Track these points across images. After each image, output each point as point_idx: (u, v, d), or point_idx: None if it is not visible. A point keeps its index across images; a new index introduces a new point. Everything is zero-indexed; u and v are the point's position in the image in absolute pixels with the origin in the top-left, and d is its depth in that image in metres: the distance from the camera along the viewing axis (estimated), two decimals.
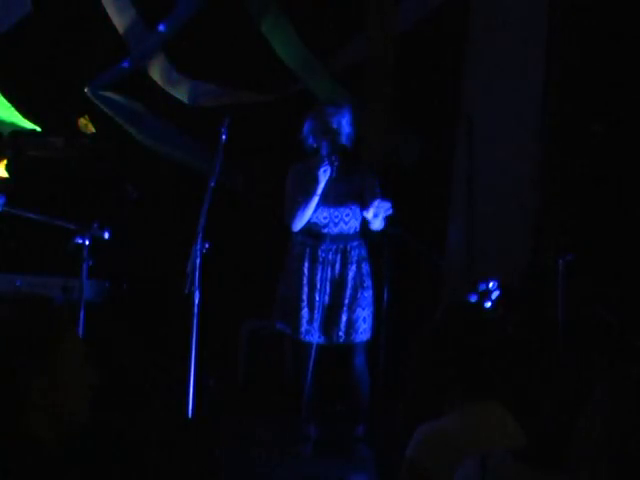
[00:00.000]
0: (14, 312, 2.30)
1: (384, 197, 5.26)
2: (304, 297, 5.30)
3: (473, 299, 5.27)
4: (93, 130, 7.05)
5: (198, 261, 4.99)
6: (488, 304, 5.20)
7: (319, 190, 5.22)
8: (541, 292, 5.80)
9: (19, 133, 6.91)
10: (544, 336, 5.50)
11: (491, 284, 5.42)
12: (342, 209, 5.33)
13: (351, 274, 5.31)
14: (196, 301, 4.97)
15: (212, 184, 5.10)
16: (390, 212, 5.12)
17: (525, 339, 5.43)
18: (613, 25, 5.91)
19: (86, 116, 7.01)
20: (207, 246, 5.03)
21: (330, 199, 5.27)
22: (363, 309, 5.33)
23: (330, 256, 5.30)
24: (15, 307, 2.31)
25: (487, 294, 5.26)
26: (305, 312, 5.30)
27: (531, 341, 5.44)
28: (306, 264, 5.31)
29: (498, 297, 5.24)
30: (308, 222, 5.29)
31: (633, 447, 1.99)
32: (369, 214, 5.15)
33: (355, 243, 5.36)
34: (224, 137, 5.16)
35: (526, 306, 5.80)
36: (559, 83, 6.05)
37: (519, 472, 2.42)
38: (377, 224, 5.23)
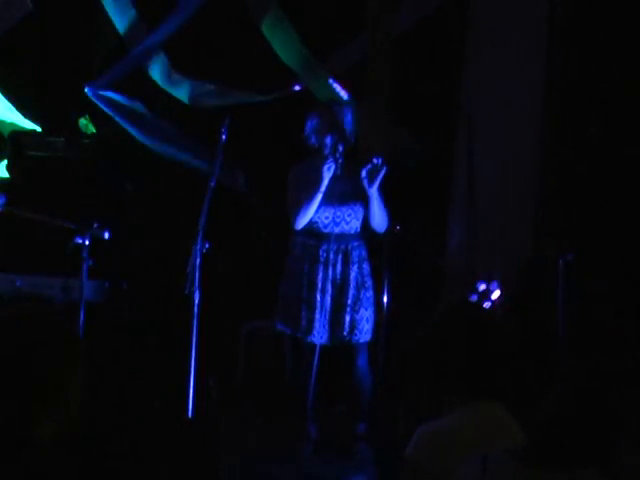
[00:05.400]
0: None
1: (383, 193, 5.28)
2: (305, 297, 5.30)
3: (473, 299, 5.28)
4: (93, 130, 7.05)
5: (198, 261, 4.99)
6: (488, 304, 5.20)
7: (323, 187, 5.22)
8: (541, 292, 5.79)
9: (19, 133, 6.91)
10: (544, 336, 5.50)
11: (491, 284, 5.42)
12: (344, 209, 5.33)
13: (353, 274, 5.31)
14: (196, 301, 4.98)
15: (212, 184, 5.10)
16: (384, 170, 5.14)
17: (525, 339, 5.43)
18: (613, 25, 5.90)
19: (86, 116, 7.01)
20: (207, 246, 5.03)
21: (333, 199, 5.28)
22: (366, 309, 5.33)
23: (331, 256, 5.30)
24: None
25: (487, 294, 5.26)
26: (306, 312, 5.30)
27: (531, 341, 5.44)
28: (307, 264, 5.31)
29: (498, 297, 5.24)
30: (310, 222, 5.29)
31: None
32: (365, 181, 5.16)
33: (356, 243, 5.36)
34: (224, 137, 5.16)
35: (526, 306, 5.80)
36: (559, 83, 6.04)
37: (519, 472, 2.41)
38: (375, 194, 5.21)
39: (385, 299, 5.58)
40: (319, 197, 5.23)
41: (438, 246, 6.17)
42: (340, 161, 5.22)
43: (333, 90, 6.30)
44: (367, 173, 5.19)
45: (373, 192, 5.22)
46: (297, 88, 6.39)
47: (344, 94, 6.25)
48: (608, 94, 5.94)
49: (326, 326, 5.29)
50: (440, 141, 6.28)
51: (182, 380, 4.97)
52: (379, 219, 5.34)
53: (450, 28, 6.23)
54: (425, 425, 2.80)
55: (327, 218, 5.31)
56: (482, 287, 5.25)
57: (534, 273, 5.93)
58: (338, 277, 5.31)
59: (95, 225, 5.38)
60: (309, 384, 5.26)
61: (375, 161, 5.18)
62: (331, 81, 6.28)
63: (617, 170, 5.92)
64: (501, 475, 2.44)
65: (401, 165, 5.97)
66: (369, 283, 5.37)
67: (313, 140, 5.34)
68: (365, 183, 5.20)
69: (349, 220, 5.34)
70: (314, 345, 5.25)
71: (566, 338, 5.35)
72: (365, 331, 5.33)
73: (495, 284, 5.28)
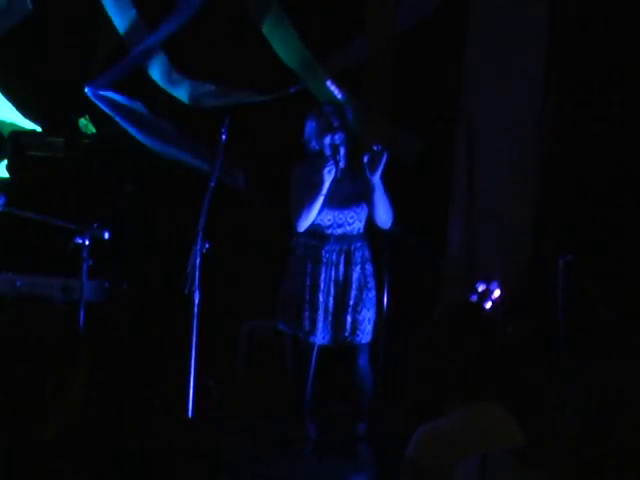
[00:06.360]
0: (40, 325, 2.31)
1: (387, 191, 5.28)
2: (307, 298, 5.30)
3: (473, 299, 5.27)
4: (93, 130, 7.05)
5: (198, 261, 5.00)
6: (488, 304, 5.20)
7: (324, 190, 5.23)
8: (541, 292, 5.79)
9: (19, 133, 6.91)
10: (544, 336, 5.50)
11: (491, 284, 5.42)
12: (346, 211, 5.33)
13: (355, 275, 5.32)
14: (196, 301, 4.98)
15: (212, 184, 5.10)
16: (385, 158, 5.14)
17: (525, 339, 5.43)
18: (613, 24, 5.90)
19: (86, 116, 7.01)
20: (207, 246, 5.04)
21: (335, 201, 5.28)
22: (368, 310, 5.34)
23: (334, 257, 5.30)
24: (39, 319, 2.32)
25: (487, 294, 5.25)
26: (309, 313, 5.30)
27: (531, 341, 5.44)
28: (309, 265, 5.32)
29: (498, 297, 5.24)
30: (312, 223, 5.30)
31: (603, 447, 1.99)
32: (367, 169, 5.16)
33: (359, 244, 5.36)
34: (224, 137, 5.16)
35: (526, 306, 5.79)
36: (559, 83, 6.04)
37: (519, 472, 2.41)
38: (378, 183, 5.21)
39: (385, 299, 5.58)
40: (320, 200, 5.23)
41: (438, 246, 6.17)
42: (341, 163, 5.22)
43: (331, 92, 6.30)
44: (368, 160, 5.18)
45: (376, 181, 5.22)
46: (293, 90, 6.39)
47: (341, 96, 6.26)
48: (608, 93, 5.94)
49: (328, 327, 5.29)
50: (440, 141, 6.27)
51: (182, 380, 4.97)
52: (383, 213, 5.33)
53: (450, 28, 6.23)
54: (425, 425, 2.80)
55: (329, 220, 5.31)
56: (482, 287, 5.25)
57: (534, 273, 5.93)
58: (341, 278, 5.31)
59: (95, 225, 5.38)
60: (308, 384, 5.27)
61: (375, 148, 5.17)
62: (329, 83, 6.28)
63: (617, 170, 5.92)
64: (501, 475, 2.44)
65: (401, 164, 5.97)
66: (372, 284, 5.37)
67: (314, 143, 5.34)
68: (367, 171, 5.20)
69: (351, 221, 5.34)
70: (314, 345, 5.25)
71: (566, 338, 5.35)
72: (367, 331, 5.34)
73: (495, 284, 5.28)
